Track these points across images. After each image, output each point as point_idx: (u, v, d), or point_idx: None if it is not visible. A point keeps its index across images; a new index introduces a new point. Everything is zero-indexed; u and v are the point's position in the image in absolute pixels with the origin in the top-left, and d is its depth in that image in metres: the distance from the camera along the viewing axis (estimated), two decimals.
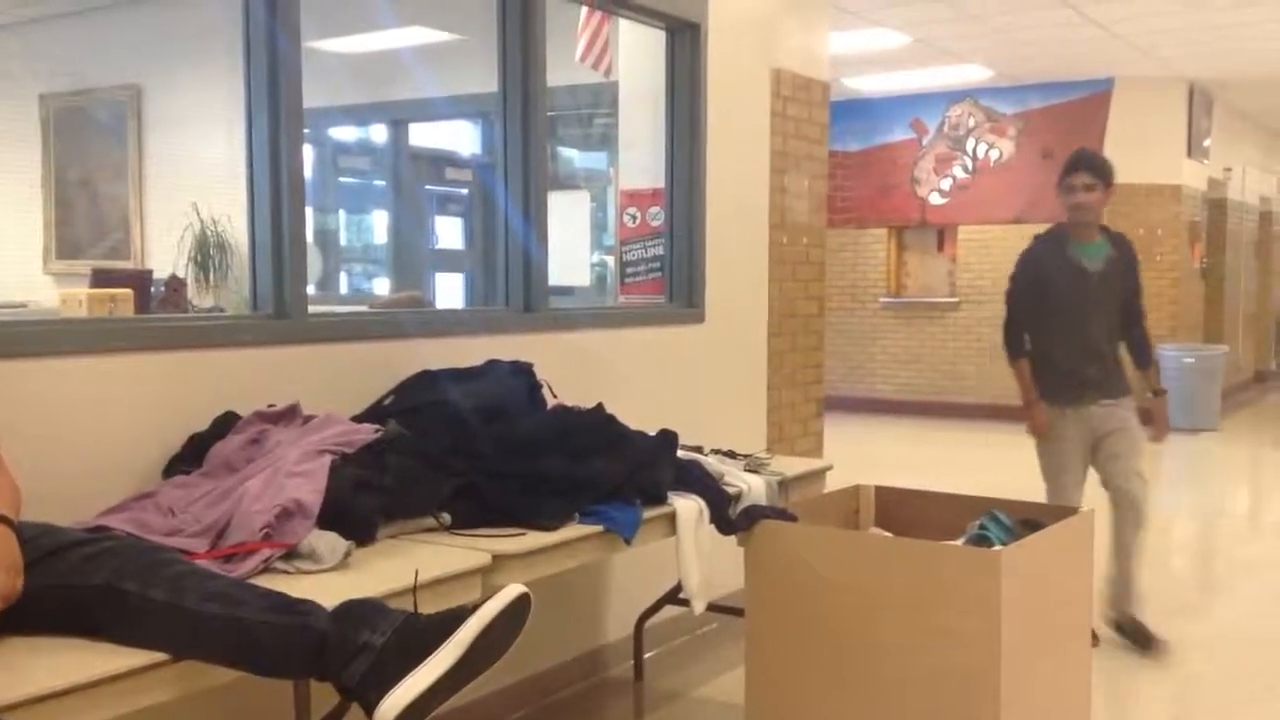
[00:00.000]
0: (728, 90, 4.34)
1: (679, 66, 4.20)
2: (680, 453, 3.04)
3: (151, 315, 3.42)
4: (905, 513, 3.25)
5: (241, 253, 6.85)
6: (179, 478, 2.47)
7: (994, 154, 10.80)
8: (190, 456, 2.54)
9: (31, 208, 7.30)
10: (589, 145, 7.20)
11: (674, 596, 3.55)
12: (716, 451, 3.46)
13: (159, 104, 7.08)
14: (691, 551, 2.83)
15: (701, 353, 4.30)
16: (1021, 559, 2.64)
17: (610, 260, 5.35)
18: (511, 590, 1.82)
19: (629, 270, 4.62)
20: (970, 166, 10.95)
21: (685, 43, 4.18)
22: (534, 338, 3.45)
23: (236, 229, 6.82)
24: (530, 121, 3.49)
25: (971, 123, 10.90)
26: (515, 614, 1.81)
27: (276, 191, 2.85)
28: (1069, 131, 10.12)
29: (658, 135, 4.38)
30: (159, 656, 1.76)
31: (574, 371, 3.46)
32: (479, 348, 3.17)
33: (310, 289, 3.12)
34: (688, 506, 2.85)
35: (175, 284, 5.99)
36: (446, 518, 2.52)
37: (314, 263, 6.71)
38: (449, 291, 7.67)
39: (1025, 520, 2.98)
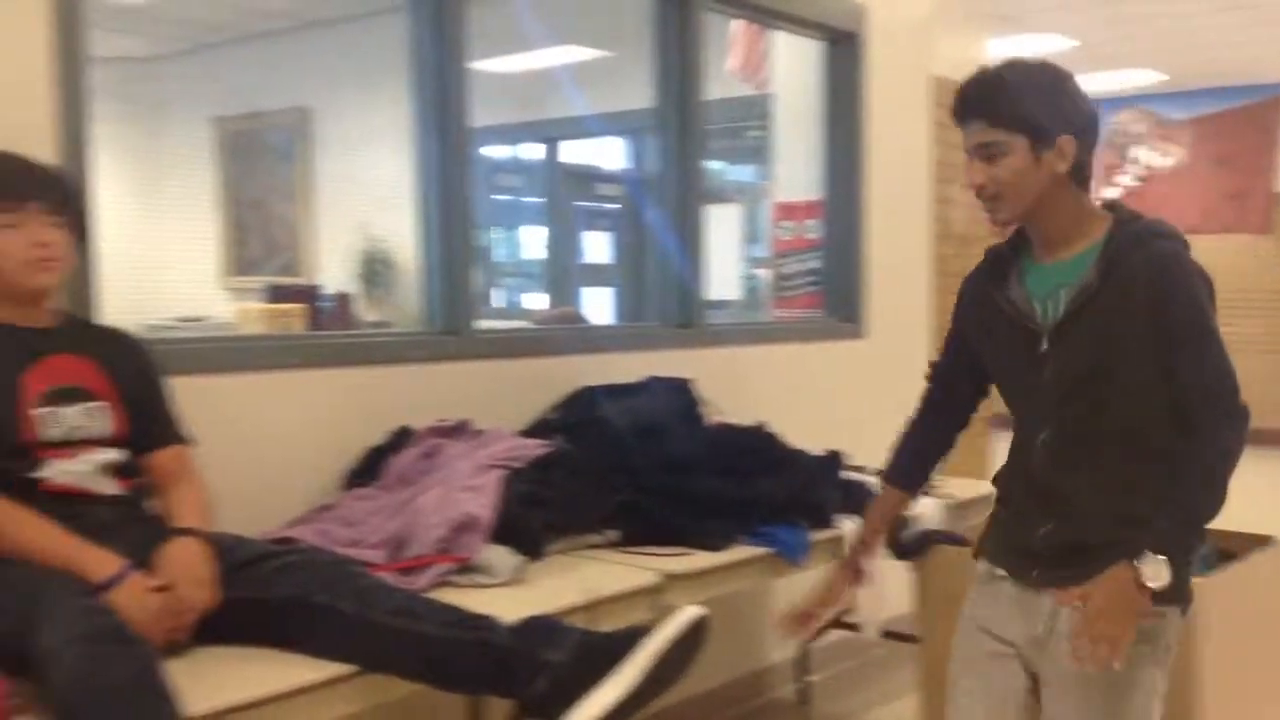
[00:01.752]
0: (887, 100, 4.26)
1: (837, 77, 4.14)
2: (845, 473, 2.97)
3: (330, 333, 3.54)
4: None
5: (405, 269, 7.11)
6: (358, 490, 2.53)
7: (1164, 161, 10.34)
8: (368, 469, 2.61)
9: (207, 227, 7.66)
10: (740, 158, 7.17)
11: (839, 620, 3.48)
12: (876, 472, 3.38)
13: (327, 126, 7.34)
14: None
15: (861, 369, 4.21)
16: (1217, 590, 2.48)
17: (762, 274, 5.31)
18: (691, 612, 1.81)
19: (783, 284, 4.57)
20: (1139, 175, 10.51)
21: (843, 53, 4.11)
22: (690, 354, 3.43)
23: (400, 246, 7.04)
24: (687, 136, 3.49)
25: (1139, 129, 10.46)
26: (694, 636, 1.80)
27: (446, 211, 2.91)
28: (1242, 137, 9.62)
29: (814, 147, 4.32)
30: (347, 669, 1.80)
31: (730, 388, 3.42)
32: (635, 364, 3.17)
33: None
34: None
35: (343, 300, 6.21)
36: (613, 535, 2.52)
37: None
38: (596, 306, 7.74)
39: (1222, 550, 2.81)
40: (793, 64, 4.56)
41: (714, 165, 7.23)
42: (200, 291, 7.45)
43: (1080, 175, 1.85)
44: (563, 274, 7.89)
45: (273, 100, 7.35)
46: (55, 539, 1.76)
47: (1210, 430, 1.77)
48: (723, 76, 4.63)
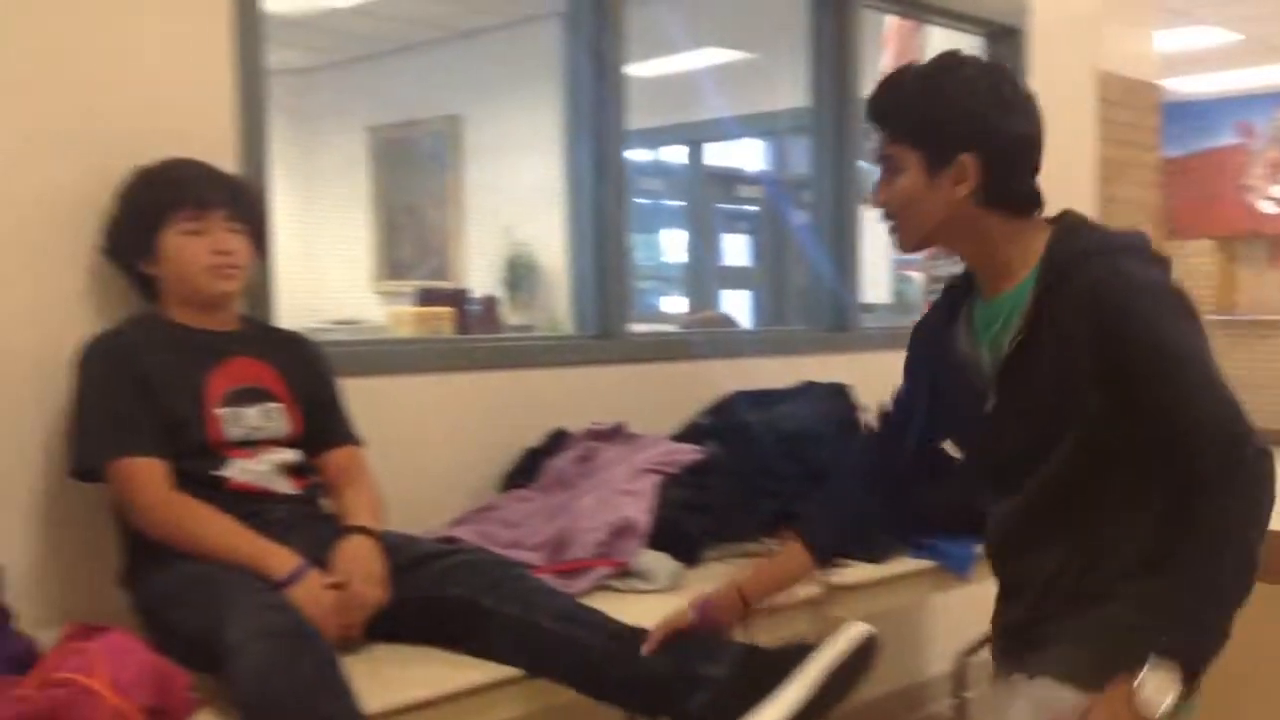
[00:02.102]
0: (1051, 96, 4.03)
1: None
2: None
3: (488, 336, 3.59)
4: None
5: (549, 273, 7.20)
6: (516, 491, 2.56)
7: None
8: (526, 471, 2.63)
9: (361, 232, 7.89)
10: None
11: None
12: None
13: (476, 133, 7.48)
14: None
15: None
16: None
17: (916, 276, 5.19)
18: (861, 629, 1.75)
19: (936, 287, 4.46)
20: None
21: (1005, 48, 3.98)
22: (842, 359, 3.36)
23: (544, 250, 7.12)
24: (842, 137, 3.43)
25: None
26: (863, 655, 1.74)
27: (599, 215, 2.92)
28: None
29: None
30: (512, 672, 1.81)
31: (884, 394, 3.33)
32: (785, 369, 3.11)
33: None
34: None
35: (489, 303, 6.31)
36: (769, 543, 2.48)
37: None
38: (735, 309, 7.69)
39: None
40: None
41: (862, 165, 7.10)
42: (353, 295, 7.68)
43: (1002, 197, 1.55)
44: (702, 277, 7.88)
45: (425, 109, 7.53)
46: (238, 536, 1.82)
47: (1216, 486, 1.38)
48: (875, 75, 4.53)
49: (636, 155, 7.83)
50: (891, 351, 3.59)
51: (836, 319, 3.46)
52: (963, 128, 1.52)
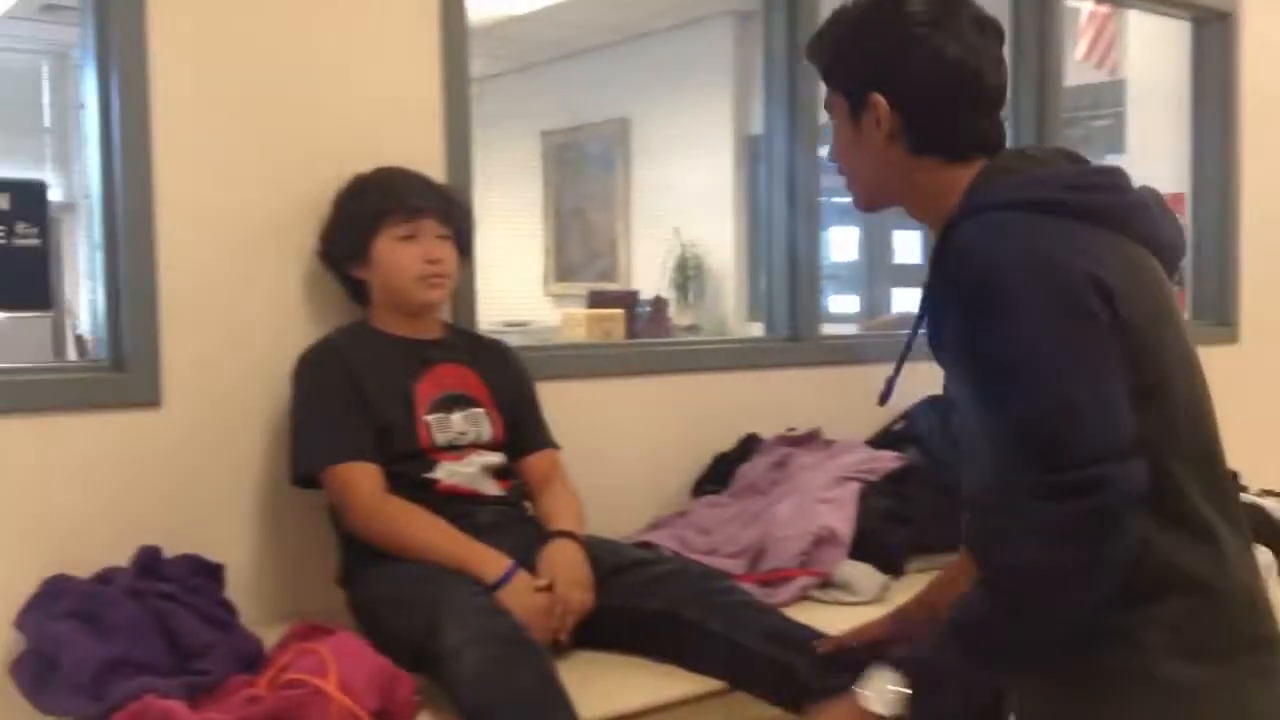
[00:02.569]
0: (1264, 83, 3.84)
1: (1207, 60, 3.77)
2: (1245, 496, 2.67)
3: (677, 340, 3.57)
4: None
5: (717, 274, 7.16)
6: (709, 497, 2.52)
7: None
8: (717, 476, 2.59)
9: (534, 235, 8.00)
10: (1087, 150, 6.73)
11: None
12: (1269, 493, 3.04)
13: (644, 134, 7.50)
14: None
15: (1234, 377, 3.80)
16: None
17: None
18: None
19: None
20: None
21: (1215, 34, 3.74)
22: None
23: (713, 251, 7.09)
24: (1045, 126, 3.28)
25: None
26: None
27: (792, 216, 2.85)
28: None
29: (1172, 136, 3.95)
30: (715, 684, 1.77)
31: None
32: None
33: None
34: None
35: (659, 304, 6.31)
36: None
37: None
38: (905, 307, 7.50)
39: None
40: (1148, 47, 4.21)
41: None
42: (526, 298, 7.80)
43: (930, 140, 1.33)
44: (874, 275, 7.71)
45: (595, 112, 7.60)
46: (449, 538, 1.83)
47: (1019, 519, 1.16)
48: (1071, 65, 4.33)
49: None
50: None
51: None
52: (865, 65, 1.35)
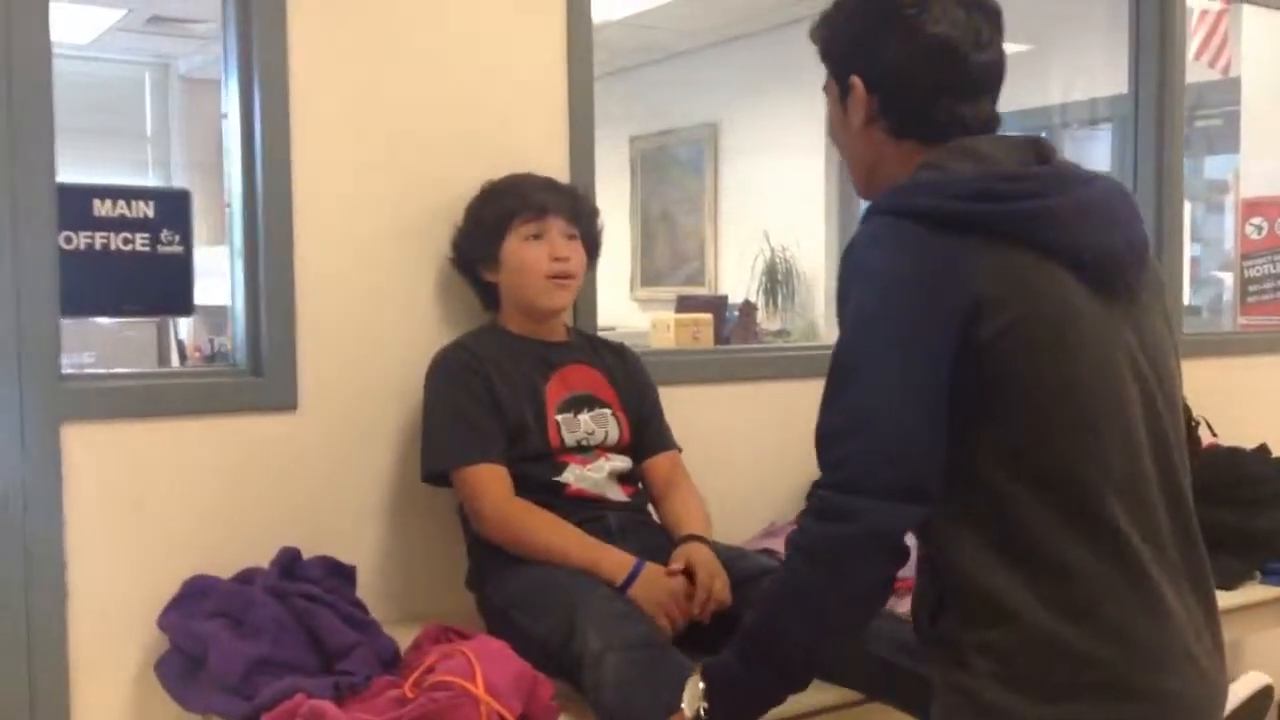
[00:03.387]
0: None
1: None
2: None
3: (784, 346, 3.54)
4: None
5: (807, 279, 7.11)
6: None
7: None
8: None
9: (621, 239, 8.03)
10: (1191, 152, 6.56)
11: None
12: None
13: (733, 138, 7.48)
14: None
15: None
16: None
17: (1224, 277, 4.81)
18: (1254, 679, 1.59)
19: (1251, 289, 4.10)
20: None
21: None
22: None
23: (803, 256, 7.04)
24: (1165, 128, 3.20)
25: None
26: (1258, 704, 1.58)
27: None
28: None
29: None
30: (852, 695, 1.75)
31: (1206, 404, 3.08)
32: None
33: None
34: None
35: (747, 309, 6.29)
36: None
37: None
38: None
39: None
40: (1264, 45, 4.09)
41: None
42: (613, 301, 7.81)
43: (910, 124, 1.30)
44: None
45: (685, 115, 7.59)
46: (575, 540, 1.84)
47: (802, 532, 1.23)
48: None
49: None
50: (1213, 358, 3.37)
51: None
52: (847, 46, 1.34)
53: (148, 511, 1.87)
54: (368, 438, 2.05)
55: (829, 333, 6.71)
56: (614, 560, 1.81)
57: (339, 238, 2.01)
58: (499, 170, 2.08)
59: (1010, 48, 2.83)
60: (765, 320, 6.78)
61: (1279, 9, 3.70)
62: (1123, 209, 1.27)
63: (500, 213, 1.99)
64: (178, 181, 7.47)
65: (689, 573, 1.80)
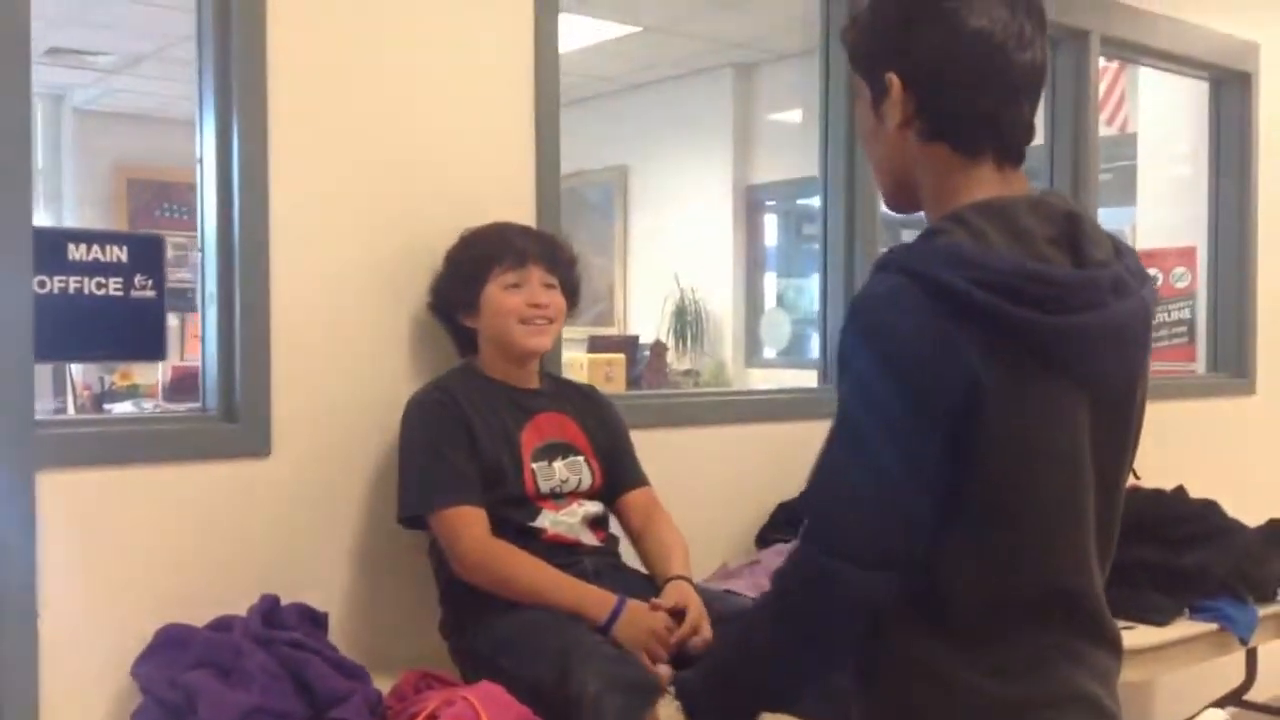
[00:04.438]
0: (1277, 141, 3.97)
1: (1225, 117, 3.90)
2: None
3: (730, 390, 3.60)
4: None
5: (715, 320, 7.23)
6: (779, 545, 2.55)
7: None
8: (783, 524, 2.63)
9: None
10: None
11: (1237, 697, 3.22)
12: None
13: (643, 183, 7.60)
14: None
15: (1250, 429, 3.91)
16: None
17: None
18: (1214, 717, 1.69)
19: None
20: None
21: (1234, 93, 3.87)
22: None
23: (712, 298, 7.17)
24: (1081, 181, 3.39)
25: None
26: None
27: (850, 262, 2.91)
28: None
29: (1183, 190, 4.08)
30: None
31: None
32: None
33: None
34: None
35: (659, 349, 6.37)
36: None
37: (783, 327, 6.93)
38: None
39: None
40: (1159, 103, 4.35)
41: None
42: None
43: (942, 125, 1.23)
44: None
45: (596, 159, 7.68)
46: (558, 581, 1.87)
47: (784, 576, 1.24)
48: None
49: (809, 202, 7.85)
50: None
51: None
52: (882, 41, 1.27)
53: (120, 559, 1.84)
54: (340, 483, 2.05)
55: (736, 373, 6.85)
56: (596, 599, 1.84)
57: (316, 284, 2.01)
58: (470, 215, 2.11)
59: None
60: (675, 360, 6.87)
61: (1172, 71, 3.92)
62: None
63: (481, 260, 2.02)
64: (68, 216, 7.26)
65: (677, 612, 1.84)
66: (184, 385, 4.05)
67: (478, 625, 1.89)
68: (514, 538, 1.92)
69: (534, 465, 1.99)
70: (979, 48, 1.21)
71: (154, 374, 4.89)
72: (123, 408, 5.04)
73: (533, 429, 2.03)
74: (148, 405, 4.86)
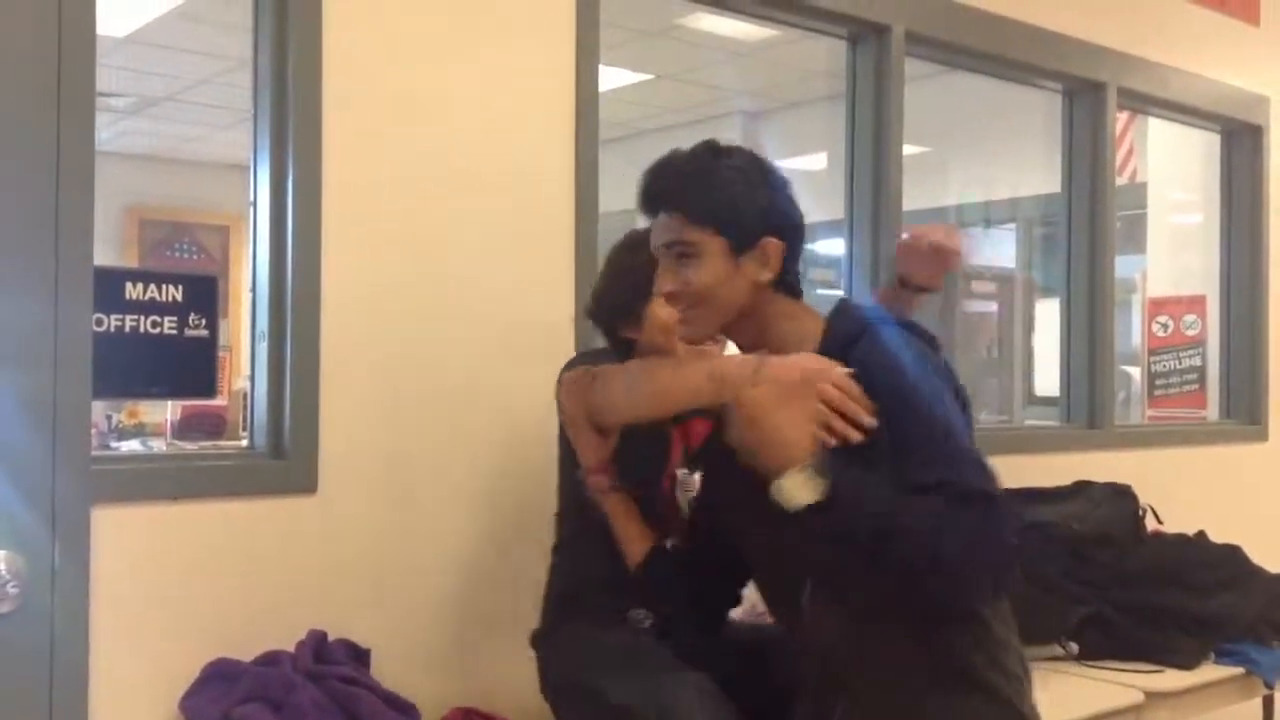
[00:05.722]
0: None
1: (1237, 169, 3.97)
2: None
3: None
4: None
5: None
6: None
7: None
8: None
9: None
10: None
11: None
12: None
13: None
14: None
15: (1264, 475, 3.94)
16: None
17: (1132, 371, 5.10)
18: None
19: (1158, 382, 4.38)
20: None
21: (1244, 144, 3.94)
22: (1091, 456, 3.31)
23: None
24: (1096, 229, 3.43)
25: None
26: None
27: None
28: None
29: (1192, 239, 4.14)
30: None
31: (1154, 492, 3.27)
32: (1035, 465, 3.06)
33: None
34: None
35: None
36: (1074, 647, 2.44)
37: None
38: None
39: None
40: (1168, 153, 4.42)
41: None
42: None
43: (789, 284, 1.53)
44: None
45: (605, 203, 7.73)
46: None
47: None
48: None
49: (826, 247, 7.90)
50: (1143, 450, 3.57)
51: (1090, 416, 3.43)
52: (766, 211, 1.51)
53: (169, 594, 1.86)
54: (384, 521, 2.07)
55: None
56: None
57: (364, 324, 2.04)
58: (513, 253, 2.17)
59: (908, 149, 3.02)
60: None
61: (1186, 123, 3.99)
62: None
63: (645, 271, 1.74)
64: None
65: None
66: (192, 424, 4.06)
67: (572, 639, 1.84)
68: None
69: (679, 471, 1.94)
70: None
71: (162, 413, 4.90)
72: (130, 446, 5.03)
73: (680, 433, 1.94)
74: (155, 444, 4.85)
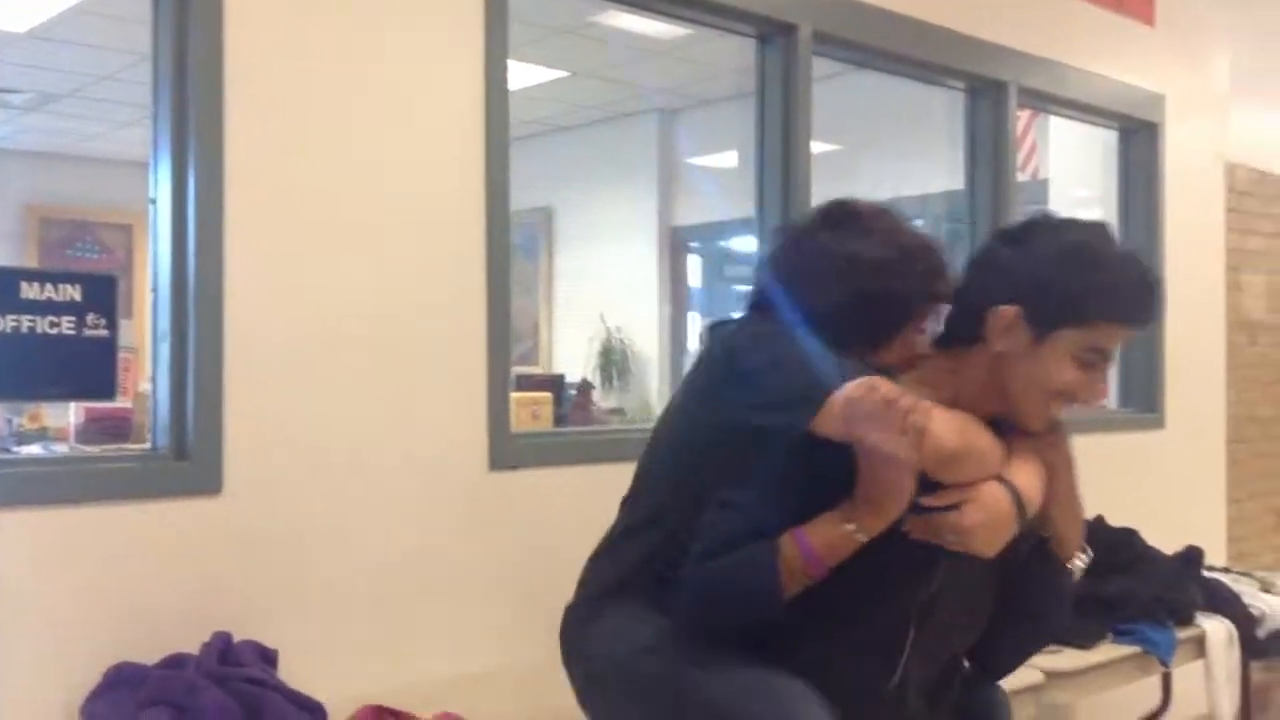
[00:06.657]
0: (1180, 188, 4.18)
1: (1134, 166, 4.10)
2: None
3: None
4: None
5: (641, 359, 7.30)
6: None
7: None
8: None
9: None
10: None
11: None
12: (1222, 569, 3.27)
13: (567, 224, 7.67)
14: (1223, 677, 2.67)
15: (1159, 462, 4.08)
16: None
17: None
18: None
19: None
20: None
21: (1141, 142, 4.07)
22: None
23: (637, 337, 7.24)
24: (1000, 223, 3.51)
25: None
26: None
27: None
28: None
29: None
30: None
31: None
32: None
33: None
34: (1216, 629, 2.70)
35: (585, 388, 6.40)
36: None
37: None
38: None
39: None
40: (1069, 151, 4.54)
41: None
42: None
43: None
44: None
45: (519, 200, 7.71)
46: None
47: None
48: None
49: (735, 244, 7.99)
50: None
51: None
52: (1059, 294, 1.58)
53: (72, 598, 1.82)
54: (295, 519, 2.05)
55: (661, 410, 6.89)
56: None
57: (269, 323, 2.02)
58: (422, 248, 2.17)
59: (819, 147, 3.08)
60: (602, 399, 6.91)
61: (1084, 120, 4.11)
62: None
63: (918, 292, 1.66)
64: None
65: None
66: (96, 427, 3.97)
67: (615, 633, 1.67)
68: None
69: None
70: None
71: (64, 416, 4.78)
72: (31, 450, 4.90)
73: None
74: (58, 449, 4.73)
